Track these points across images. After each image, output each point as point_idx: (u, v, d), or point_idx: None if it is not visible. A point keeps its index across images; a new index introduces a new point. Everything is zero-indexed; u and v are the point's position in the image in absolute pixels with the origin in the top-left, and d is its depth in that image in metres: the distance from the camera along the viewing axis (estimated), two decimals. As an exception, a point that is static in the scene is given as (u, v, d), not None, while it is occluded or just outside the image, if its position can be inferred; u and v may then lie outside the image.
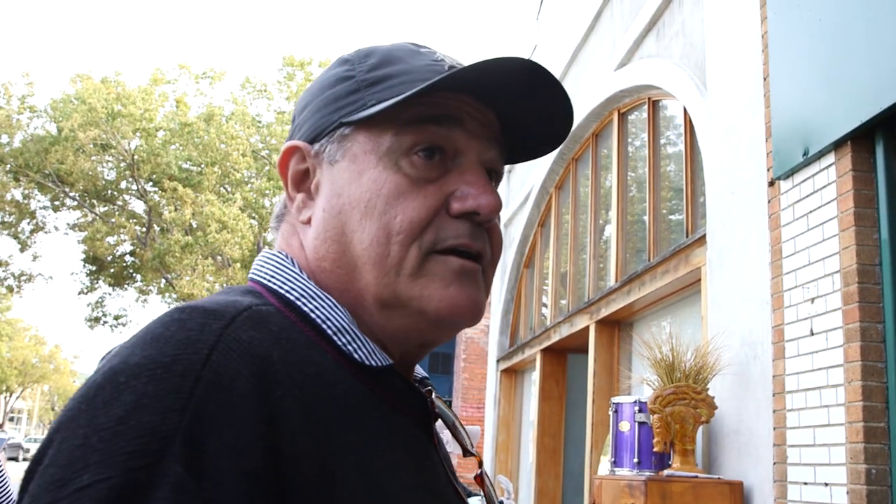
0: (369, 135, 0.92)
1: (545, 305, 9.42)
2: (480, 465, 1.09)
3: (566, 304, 8.39)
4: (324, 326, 0.86)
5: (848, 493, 3.31)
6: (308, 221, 0.95)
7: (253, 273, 0.95)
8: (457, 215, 0.91)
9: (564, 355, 8.91)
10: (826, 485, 3.45)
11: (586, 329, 7.26)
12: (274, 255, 0.95)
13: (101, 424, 0.67)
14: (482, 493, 1.08)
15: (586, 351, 7.18)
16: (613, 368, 6.88)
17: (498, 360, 10.88)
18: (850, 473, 3.30)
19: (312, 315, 0.86)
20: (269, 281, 0.91)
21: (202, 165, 26.83)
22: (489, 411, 11.16)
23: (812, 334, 3.65)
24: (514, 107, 0.96)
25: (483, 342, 12.80)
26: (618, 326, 6.99)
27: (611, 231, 7.11)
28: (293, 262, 0.93)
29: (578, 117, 7.93)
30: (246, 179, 28.12)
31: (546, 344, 8.71)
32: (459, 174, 0.92)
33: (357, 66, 0.95)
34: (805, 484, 3.60)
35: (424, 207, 0.90)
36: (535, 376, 9.18)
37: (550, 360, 8.92)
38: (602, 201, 7.74)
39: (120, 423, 0.67)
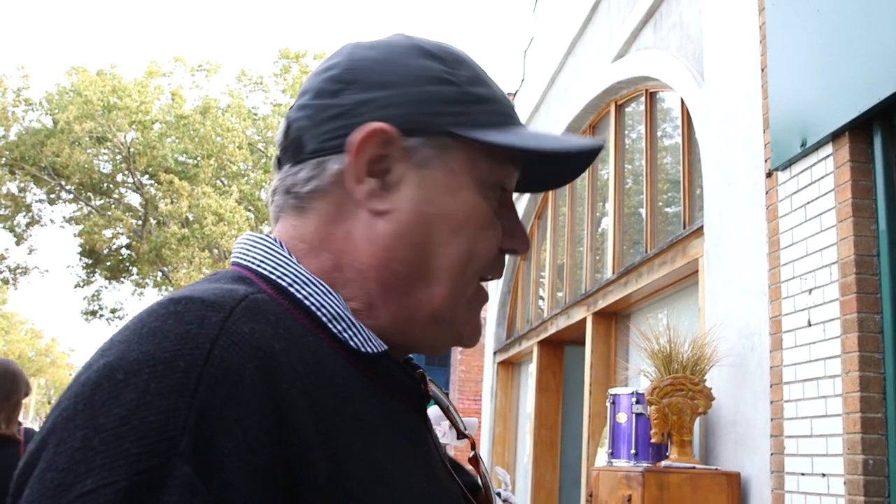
0: (468, 155, 0.92)
1: (542, 298, 9.42)
2: (474, 447, 1.08)
3: (563, 296, 8.39)
4: (318, 314, 0.84)
5: (845, 483, 3.31)
6: (383, 214, 0.89)
7: (238, 257, 0.91)
8: (503, 251, 0.96)
9: (561, 347, 8.91)
10: (823, 475, 3.46)
11: (583, 321, 7.26)
12: (260, 238, 0.91)
13: (102, 425, 0.64)
14: (477, 475, 1.07)
15: (583, 343, 7.18)
16: (610, 360, 6.89)
17: (495, 353, 10.89)
18: (848, 464, 3.31)
19: (306, 302, 0.84)
20: (259, 266, 0.87)
21: (198, 158, 26.79)
22: (486, 403, 11.17)
23: (809, 325, 3.66)
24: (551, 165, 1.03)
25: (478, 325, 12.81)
26: (615, 318, 6.99)
27: (608, 223, 7.11)
28: (281, 245, 0.89)
29: (576, 109, 7.92)
30: (242, 172, 28.09)
31: (543, 336, 8.71)
32: (506, 211, 0.97)
33: (455, 73, 0.94)
34: (802, 475, 3.61)
35: (496, 241, 0.95)
36: (531, 368, 9.19)
37: (547, 352, 8.92)
38: (599, 193, 7.74)
39: (122, 424, 0.64)
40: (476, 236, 0.92)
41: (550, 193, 9.21)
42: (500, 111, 0.94)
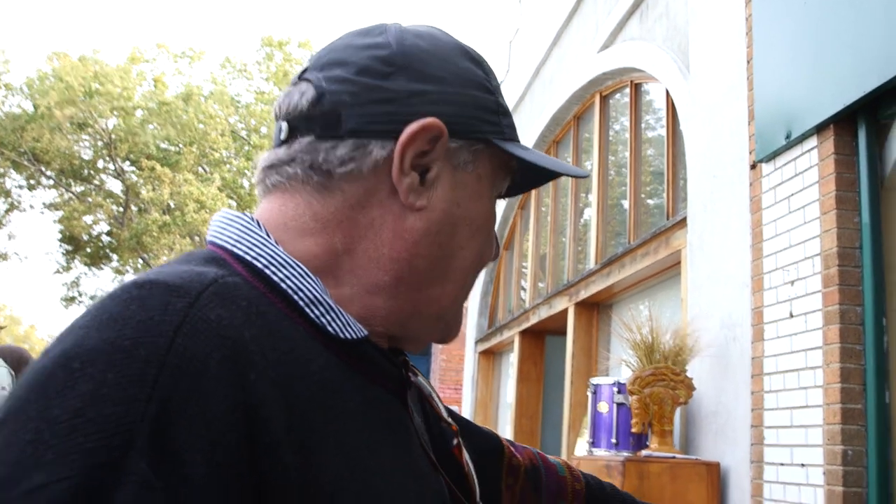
0: (493, 164, 0.95)
1: (524, 288, 9.43)
2: (456, 434, 1.07)
3: (545, 286, 8.41)
4: (295, 297, 0.80)
5: (824, 473, 3.33)
6: (416, 209, 0.89)
7: (213, 236, 0.87)
8: None
9: (543, 337, 8.93)
10: (802, 465, 3.48)
11: (565, 311, 7.28)
12: (236, 216, 0.87)
13: (55, 417, 0.61)
14: (461, 464, 1.04)
15: (565, 333, 7.20)
16: (592, 350, 6.90)
17: (476, 342, 10.90)
18: (827, 454, 3.33)
19: (283, 285, 0.80)
20: (234, 246, 0.83)
21: (180, 145, 26.68)
22: (467, 393, 11.19)
23: (791, 317, 3.67)
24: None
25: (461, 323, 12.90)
26: (597, 309, 7.01)
27: (591, 214, 7.12)
28: (259, 225, 0.86)
29: (560, 100, 7.92)
30: (225, 159, 28.00)
31: (524, 326, 8.72)
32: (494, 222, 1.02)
33: (491, 82, 0.96)
34: (782, 465, 3.63)
35: (494, 247, 1.01)
36: (513, 358, 9.20)
37: (529, 342, 8.94)
38: (582, 184, 7.74)
39: (76, 416, 0.61)
40: (486, 241, 0.96)
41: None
42: (514, 125, 0.98)
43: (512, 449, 1.28)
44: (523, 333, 8.89)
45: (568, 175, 1.02)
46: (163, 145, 26.91)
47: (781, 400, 3.68)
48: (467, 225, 0.92)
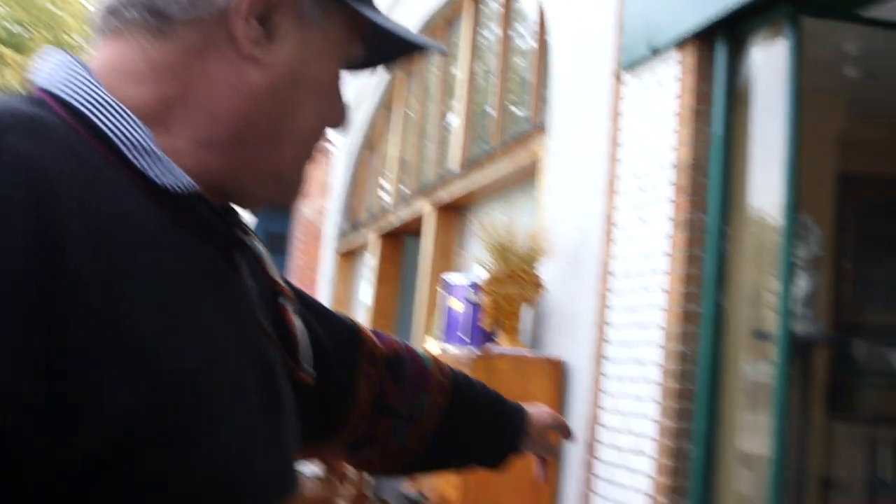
0: (346, 26, 0.92)
1: (385, 189, 9.44)
2: (285, 295, 1.03)
3: (406, 187, 8.43)
4: (118, 143, 0.76)
5: (663, 372, 3.52)
6: (259, 63, 0.85)
7: (35, 77, 0.81)
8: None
9: (401, 238, 8.98)
10: (641, 363, 3.66)
11: (425, 213, 7.34)
12: (63, 57, 0.82)
13: None
14: (287, 324, 1.01)
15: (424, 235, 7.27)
16: (449, 252, 7.00)
17: (334, 242, 10.88)
18: (666, 354, 3.51)
19: (106, 129, 0.76)
20: (56, 88, 0.78)
21: (31, 28, 25.22)
22: (324, 293, 11.20)
23: (642, 223, 3.81)
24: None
25: (320, 223, 12.79)
26: (456, 211, 7.09)
27: (456, 119, 7.14)
28: (87, 69, 0.81)
29: (433, 4, 7.85)
30: (79, 46, 26.67)
31: (384, 227, 8.76)
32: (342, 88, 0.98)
33: None
34: (621, 362, 3.81)
35: (342, 112, 0.97)
36: (371, 259, 9.25)
37: (388, 243, 8.98)
38: (449, 89, 7.74)
39: None
40: (332, 105, 0.93)
41: (401, 87, 9.16)
42: None
43: (374, 339, 1.28)
44: (383, 235, 8.92)
45: (422, 46, 1.00)
46: (13, 29, 25.39)
47: (626, 301, 3.85)
48: (312, 85, 0.89)
